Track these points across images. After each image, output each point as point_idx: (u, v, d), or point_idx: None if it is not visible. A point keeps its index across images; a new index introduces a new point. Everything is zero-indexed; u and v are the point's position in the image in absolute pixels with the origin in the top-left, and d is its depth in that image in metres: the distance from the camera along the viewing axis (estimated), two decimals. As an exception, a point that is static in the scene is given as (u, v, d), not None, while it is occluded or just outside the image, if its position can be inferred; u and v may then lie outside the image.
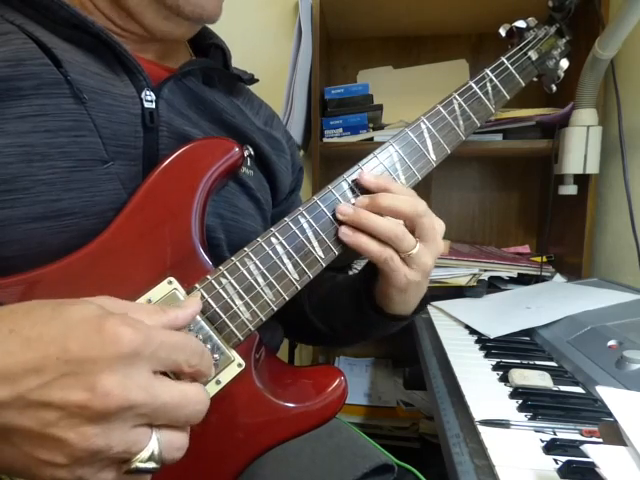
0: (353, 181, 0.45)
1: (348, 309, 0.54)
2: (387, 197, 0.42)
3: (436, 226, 0.44)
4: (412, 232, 0.43)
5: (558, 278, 1.01)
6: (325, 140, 1.08)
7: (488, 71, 0.54)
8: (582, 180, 0.97)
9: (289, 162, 0.61)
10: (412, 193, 0.44)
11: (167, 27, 0.48)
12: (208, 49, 0.56)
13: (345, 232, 0.43)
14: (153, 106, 0.44)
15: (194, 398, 0.30)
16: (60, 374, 0.25)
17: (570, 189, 0.97)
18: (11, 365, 0.25)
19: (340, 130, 1.08)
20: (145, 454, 0.27)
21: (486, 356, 0.60)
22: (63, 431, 0.25)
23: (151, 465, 0.27)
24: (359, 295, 0.52)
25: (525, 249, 1.24)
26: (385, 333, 0.54)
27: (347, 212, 0.43)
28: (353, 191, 0.45)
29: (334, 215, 0.44)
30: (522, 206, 1.26)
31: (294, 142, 0.66)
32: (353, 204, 0.44)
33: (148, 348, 0.27)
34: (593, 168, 0.94)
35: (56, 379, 0.25)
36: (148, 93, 0.44)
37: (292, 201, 0.65)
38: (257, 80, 0.59)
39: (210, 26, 0.58)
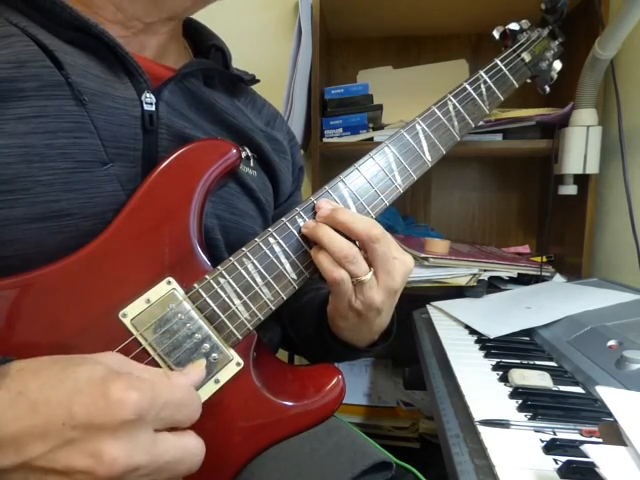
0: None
1: (311, 326, 0.53)
2: (345, 212, 0.41)
3: (394, 259, 0.41)
4: (366, 259, 0.41)
5: (558, 278, 1.01)
6: (325, 140, 1.08)
7: (482, 73, 0.54)
8: (582, 180, 0.97)
9: (289, 162, 0.62)
10: (371, 220, 0.42)
11: (179, 2, 0.47)
12: (208, 50, 0.56)
13: (312, 248, 0.42)
14: (153, 108, 0.45)
15: (193, 450, 0.31)
16: (65, 440, 0.25)
17: (570, 189, 0.97)
18: (18, 431, 0.25)
19: (340, 130, 1.08)
20: None
21: (486, 356, 0.60)
22: None
23: None
24: (321, 314, 0.50)
25: (525, 249, 1.24)
26: (342, 360, 0.53)
27: (309, 225, 0.42)
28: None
29: None
30: (522, 206, 1.26)
31: (296, 142, 0.66)
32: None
33: (152, 411, 0.28)
34: (593, 168, 0.94)
35: (61, 446, 0.25)
36: (148, 95, 0.44)
37: (293, 200, 0.65)
38: (258, 80, 0.59)
39: (210, 26, 0.59)
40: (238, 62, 0.60)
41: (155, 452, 0.27)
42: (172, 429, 0.31)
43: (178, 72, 0.47)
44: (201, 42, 0.57)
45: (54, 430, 0.25)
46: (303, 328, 0.57)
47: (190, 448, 0.31)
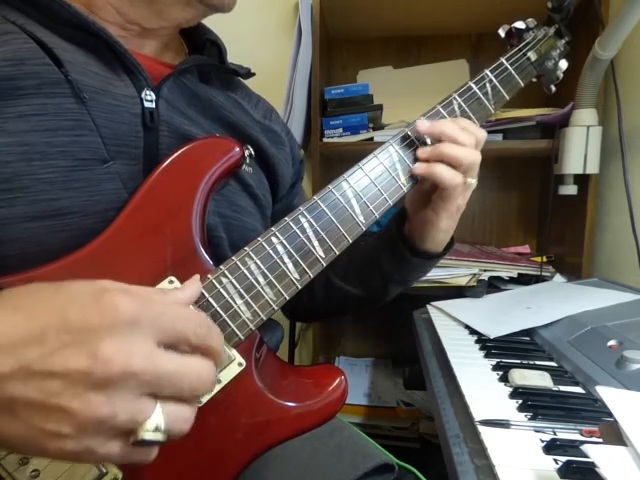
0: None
1: (384, 261, 0.58)
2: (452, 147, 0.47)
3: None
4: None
5: (558, 278, 1.01)
6: (325, 140, 1.08)
7: (488, 72, 0.54)
8: (582, 180, 0.97)
9: (289, 155, 0.62)
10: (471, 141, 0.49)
11: (183, 14, 0.48)
12: (203, 45, 0.56)
13: (420, 166, 0.48)
14: (153, 106, 0.45)
15: (200, 370, 0.29)
16: (61, 343, 0.26)
17: (570, 189, 0.97)
18: (13, 337, 0.26)
19: (340, 130, 1.08)
20: (150, 424, 0.27)
21: (486, 356, 0.60)
22: (67, 400, 0.25)
23: (157, 436, 0.27)
24: (394, 243, 0.57)
25: (525, 249, 1.24)
26: (421, 275, 0.60)
27: (426, 149, 0.48)
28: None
29: (334, 215, 0.44)
30: (522, 206, 1.26)
31: (293, 137, 0.66)
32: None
33: (147, 316, 0.27)
34: (593, 168, 0.94)
35: (57, 348, 0.26)
36: (148, 93, 0.44)
37: (295, 193, 0.66)
38: (254, 74, 0.59)
39: (210, 26, 0.59)
40: (238, 62, 0.60)
41: (155, 360, 0.27)
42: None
43: (175, 69, 0.47)
44: (196, 37, 0.57)
45: (50, 335, 0.26)
46: (376, 270, 0.60)
47: (196, 367, 0.29)
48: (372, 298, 0.64)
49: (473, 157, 0.48)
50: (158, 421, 0.27)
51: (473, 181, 0.50)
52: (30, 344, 0.26)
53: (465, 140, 0.47)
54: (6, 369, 0.25)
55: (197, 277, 0.38)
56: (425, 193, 0.53)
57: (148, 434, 0.27)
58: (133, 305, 0.27)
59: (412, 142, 0.50)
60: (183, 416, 0.29)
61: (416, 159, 0.49)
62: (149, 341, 0.27)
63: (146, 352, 0.27)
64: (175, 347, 0.29)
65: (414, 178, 0.49)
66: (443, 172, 0.47)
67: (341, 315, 0.67)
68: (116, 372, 0.25)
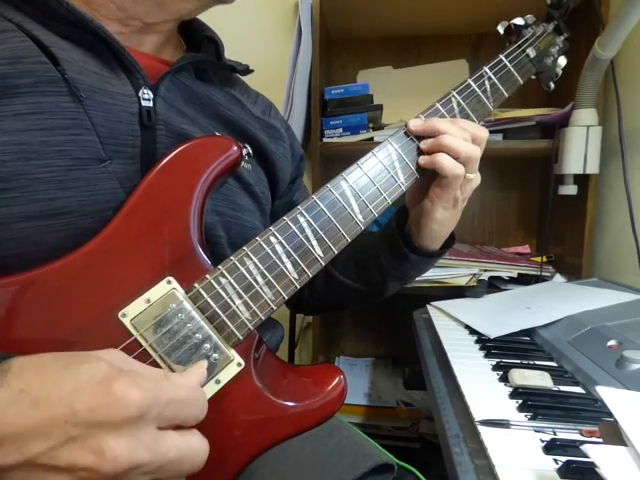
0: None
1: (383, 257, 0.59)
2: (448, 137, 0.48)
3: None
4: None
5: (558, 278, 1.01)
6: (325, 140, 1.08)
7: (487, 69, 0.53)
8: (582, 180, 0.97)
9: (288, 151, 0.62)
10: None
11: (186, 5, 0.48)
12: (201, 42, 0.56)
13: (423, 158, 0.49)
14: (150, 104, 0.44)
15: (197, 449, 0.31)
16: (67, 438, 0.25)
17: (570, 189, 0.97)
18: (19, 428, 0.25)
19: (340, 130, 1.08)
20: None
21: (486, 356, 0.59)
22: None
23: None
24: (393, 240, 0.57)
25: (525, 249, 1.24)
26: (419, 273, 0.61)
27: (428, 141, 0.49)
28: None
29: (333, 214, 0.44)
30: (522, 206, 1.26)
31: (293, 132, 0.66)
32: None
33: (155, 409, 0.28)
34: (593, 168, 0.94)
35: (63, 443, 0.25)
36: (146, 91, 0.44)
37: (296, 188, 0.66)
38: (252, 70, 0.59)
39: (210, 24, 0.58)
40: (238, 61, 0.59)
41: (158, 450, 0.27)
42: (177, 428, 0.31)
43: (172, 67, 0.47)
44: (193, 34, 0.56)
45: (56, 427, 0.25)
46: (375, 265, 0.61)
47: (194, 447, 0.30)
48: (371, 292, 0.64)
49: (471, 150, 0.49)
50: None
51: (472, 176, 0.51)
52: (36, 437, 0.25)
53: (457, 133, 0.48)
54: (11, 461, 0.25)
55: (203, 364, 0.38)
56: (425, 187, 0.53)
57: None
58: (142, 400, 0.27)
59: (412, 140, 0.49)
60: None
61: (415, 157, 0.49)
62: (152, 430, 0.28)
63: (150, 443, 0.27)
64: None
65: (416, 174, 0.49)
66: (445, 161, 0.48)
67: (341, 308, 0.69)
68: (122, 468, 0.25)
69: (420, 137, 0.50)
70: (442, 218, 0.53)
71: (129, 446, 0.26)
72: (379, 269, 0.60)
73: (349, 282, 0.63)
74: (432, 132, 0.49)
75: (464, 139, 0.48)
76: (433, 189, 0.52)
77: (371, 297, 0.65)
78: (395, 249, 0.57)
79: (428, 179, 0.52)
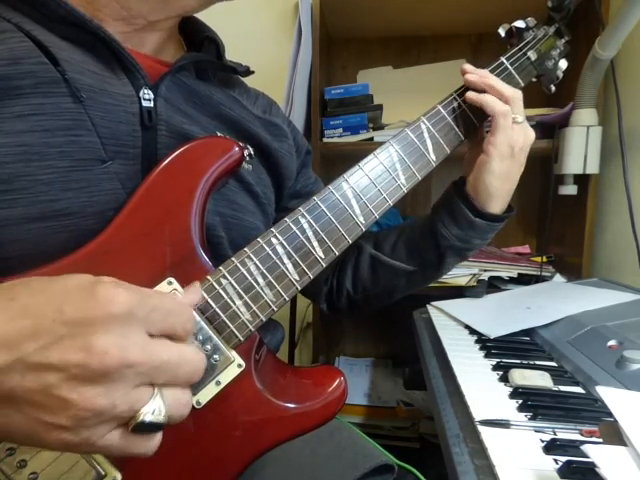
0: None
1: (443, 229, 0.58)
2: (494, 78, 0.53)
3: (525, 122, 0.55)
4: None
5: (558, 278, 1.01)
6: (325, 140, 1.08)
7: (487, 71, 0.54)
8: (582, 180, 0.97)
9: (292, 146, 0.61)
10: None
11: (190, 2, 0.48)
12: (201, 43, 0.56)
13: (472, 94, 0.52)
14: (151, 105, 0.44)
15: (192, 356, 0.30)
16: (57, 336, 0.26)
17: (570, 189, 0.97)
18: (10, 331, 0.26)
19: (340, 130, 1.08)
20: (150, 407, 0.28)
21: (486, 356, 0.60)
22: (66, 392, 0.25)
23: (157, 419, 0.28)
24: (454, 207, 0.58)
25: (525, 249, 1.24)
26: (482, 242, 0.60)
27: (474, 78, 0.53)
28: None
29: (334, 215, 0.44)
30: (522, 206, 1.26)
31: (295, 127, 0.66)
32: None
33: (142, 310, 0.28)
34: (593, 168, 0.94)
35: (53, 341, 0.26)
36: (146, 92, 0.44)
37: (307, 176, 0.66)
38: (253, 72, 0.59)
39: (210, 24, 0.58)
40: (238, 61, 0.59)
41: (149, 350, 0.27)
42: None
43: (172, 66, 0.47)
44: (194, 35, 0.56)
45: (45, 327, 0.26)
46: (417, 246, 0.61)
47: (188, 354, 0.30)
48: (424, 274, 0.63)
49: (512, 90, 0.52)
50: (157, 405, 0.28)
51: (520, 118, 0.53)
52: (27, 338, 0.26)
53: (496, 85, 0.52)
54: (3, 363, 0.25)
55: (197, 284, 0.38)
56: (478, 154, 0.55)
57: (148, 416, 0.27)
58: (128, 299, 0.27)
59: (412, 142, 0.49)
60: (181, 400, 0.30)
61: (418, 159, 0.50)
62: (142, 332, 0.28)
63: (141, 343, 0.27)
64: (167, 337, 0.30)
65: (456, 142, 0.53)
66: (491, 100, 0.51)
67: (389, 299, 0.66)
68: (113, 364, 0.26)
69: (430, 131, 0.50)
70: (500, 170, 0.54)
71: (119, 343, 0.26)
72: (436, 246, 0.59)
73: (400, 264, 0.62)
74: (482, 77, 0.53)
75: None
76: (487, 139, 0.53)
77: (423, 280, 0.64)
78: (458, 216, 0.57)
79: (477, 147, 0.55)
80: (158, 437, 0.30)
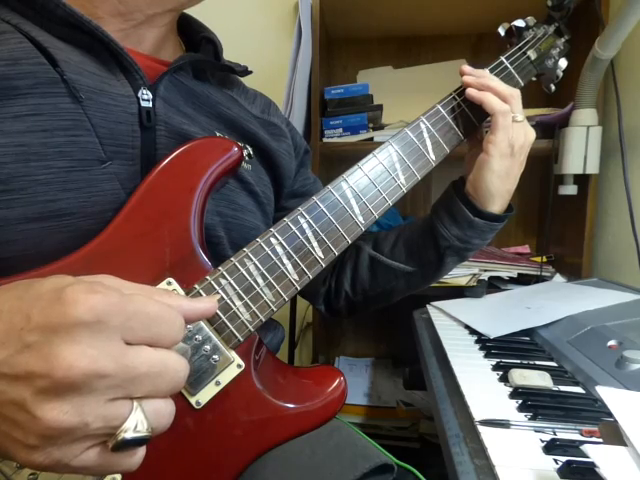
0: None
1: (442, 229, 0.58)
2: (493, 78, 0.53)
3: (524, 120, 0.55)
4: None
5: (558, 278, 1.01)
6: (325, 140, 1.08)
7: (487, 71, 0.54)
8: (582, 180, 0.97)
9: (291, 146, 0.61)
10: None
11: None
12: (199, 43, 0.56)
13: (472, 90, 0.52)
14: (150, 105, 0.44)
15: (174, 365, 0.27)
16: (23, 345, 0.24)
17: (570, 189, 0.97)
18: None
19: (340, 130, 1.08)
20: (130, 423, 0.25)
21: (486, 356, 0.60)
22: (33, 407, 0.23)
23: (139, 435, 0.25)
24: (454, 207, 0.58)
25: (525, 249, 1.24)
26: (482, 242, 0.60)
27: (472, 80, 0.53)
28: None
29: (334, 215, 0.44)
30: (522, 206, 1.26)
31: (294, 127, 0.66)
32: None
33: (118, 316, 0.25)
34: (593, 168, 0.94)
35: (20, 350, 0.24)
36: (145, 92, 0.44)
37: (306, 176, 0.65)
38: (251, 72, 0.59)
39: (210, 26, 0.59)
40: (238, 62, 0.59)
41: (125, 361, 0.25)
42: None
43: (170, 66, 0.47)
44: (192, 35, 0.56)
45: (13, 335, 0.24)
46: (417, 246, 0.62)
47: (170, 363, 0.27)
48: (423, 275, 0.63)
49: (510, 89, 0.53)
50: (138, 420, 0.26)
51: (520, 117, 0.53)
52: None
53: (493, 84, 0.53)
54: None
55: (217, 297, 0.36)
56: (479, 152, 0.55)
57: (129, 433, 0.25)
58: (100, 302, 0.24)
59: (412, 142, 0.50)
60: (164, 411, 0.27)
61: (417, 158, 0.50)
62: (117, 341, 0.25)
63: (113, 353, 0.25)
64: (148, 345, 0.27)
65: (462, 137, 0.53)
66: (491, 98, 0.52)
67: (387, 300, 0.66)
68: (79, 376, 0.23)
69: (429, 131, 0.50)
70: (500, 169, 0.54)
71: (87, 353, 0.24)
72: (435, 246, 0.59)
73: (399, 265, 0.62)
74: (479, 79, 0.53)
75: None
76: (487, 138, 0.53)
77: (422, 281, 0.64)
78: (457, 216, 0.57)
79: (477, 146, 0.55)
80: (142, 451, 0.27)
